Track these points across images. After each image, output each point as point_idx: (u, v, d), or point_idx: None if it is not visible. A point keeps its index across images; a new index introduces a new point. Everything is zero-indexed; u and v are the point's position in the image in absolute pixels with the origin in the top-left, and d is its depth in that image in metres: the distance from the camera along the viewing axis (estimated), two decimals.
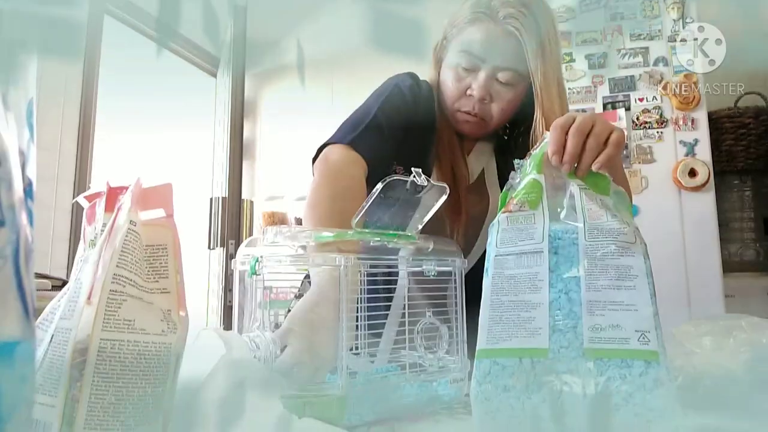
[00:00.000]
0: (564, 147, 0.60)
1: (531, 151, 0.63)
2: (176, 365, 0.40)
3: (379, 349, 0.68)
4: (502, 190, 0.63)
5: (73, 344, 0.36)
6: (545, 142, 0.61)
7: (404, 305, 0.65)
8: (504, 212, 0.58)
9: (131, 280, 0.40)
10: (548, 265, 0.51)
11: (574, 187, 0.56)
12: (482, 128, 1.02)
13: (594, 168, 0.59)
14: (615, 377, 0.45)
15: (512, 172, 0.63)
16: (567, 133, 0.61)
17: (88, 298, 0.38)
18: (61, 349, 0.37)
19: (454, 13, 1.00)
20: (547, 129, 0.78)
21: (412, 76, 1.06)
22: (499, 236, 0.56)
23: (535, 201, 0.56)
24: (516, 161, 0.64)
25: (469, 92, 0.97)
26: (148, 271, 0.41)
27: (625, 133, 2.13)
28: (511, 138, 1.10)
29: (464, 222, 0.97)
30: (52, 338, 0.38)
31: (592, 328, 0.47)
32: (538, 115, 0.96)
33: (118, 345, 0.37)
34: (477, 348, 0.52)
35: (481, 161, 1.07)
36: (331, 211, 0.81)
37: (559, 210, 0.55)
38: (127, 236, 0.40)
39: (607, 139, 0.62)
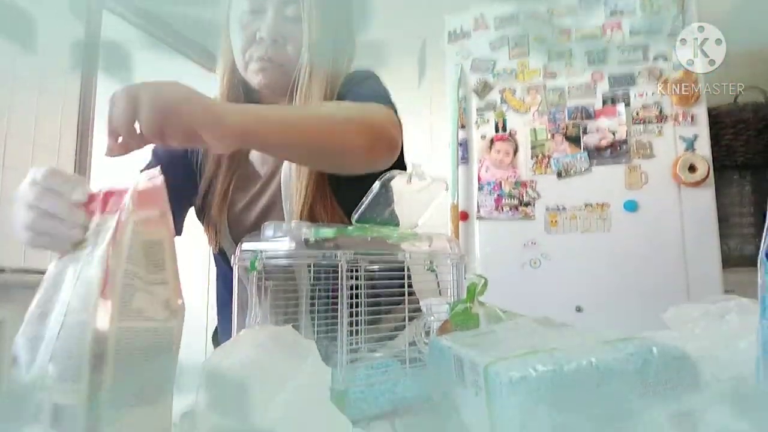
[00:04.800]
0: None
1: None
2: (177, 346, 0.46)
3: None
4: None
5: (92, 335, 0.41)
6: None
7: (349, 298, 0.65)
8: None
9: (137, 274, 0.45)
10: None
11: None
12: (280, 74, 0.92)
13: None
14: None
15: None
16: None
17: (103, 293, 0.43)
18: (79, 341, 0.42)
19: None
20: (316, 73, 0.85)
21: None
22: None
23: None
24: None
25: (258, 35, 0.89)
26: (148, 264, 0.46)
27: (625, 129, 2.13)
28: None
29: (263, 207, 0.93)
30: (59, 334, 0.43)
31: None
32: (304, 53, 0.89)
33: (133, 332, 0.43)
34: None
35: None
36: None
37: None
38: (132, 235, 0.45)
39: None
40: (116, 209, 0.47)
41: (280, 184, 0.91)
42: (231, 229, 0.93)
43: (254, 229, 0.81)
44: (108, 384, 0.41)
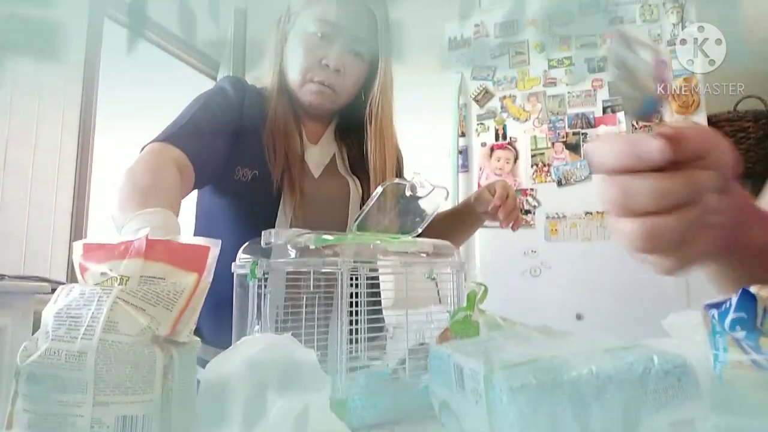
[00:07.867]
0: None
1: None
2: None
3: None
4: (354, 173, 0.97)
5: (164, 348, 0.45)
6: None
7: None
8: None
9: None
10: None
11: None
12: (332, 101, 1.00)
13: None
14: None
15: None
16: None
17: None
18: (149, 354, 0.44)
19: None
20: (386, 105, 0.97)
21: (238, 79, 1.06)
22: None
23: None
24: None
25: (324, 62, 0.95)
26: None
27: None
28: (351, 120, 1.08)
29: (315, 209, 0.96)
30: (103, 348, 0.43)
31: None
32: (377, 92, 0.99)
33: (185, 346, 0.47)
34: None
35: (330, 148, 1.05)
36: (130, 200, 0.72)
37: None
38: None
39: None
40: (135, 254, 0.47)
41: (329, 186, 1.00)
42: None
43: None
44: (177, 391, 0.45)
